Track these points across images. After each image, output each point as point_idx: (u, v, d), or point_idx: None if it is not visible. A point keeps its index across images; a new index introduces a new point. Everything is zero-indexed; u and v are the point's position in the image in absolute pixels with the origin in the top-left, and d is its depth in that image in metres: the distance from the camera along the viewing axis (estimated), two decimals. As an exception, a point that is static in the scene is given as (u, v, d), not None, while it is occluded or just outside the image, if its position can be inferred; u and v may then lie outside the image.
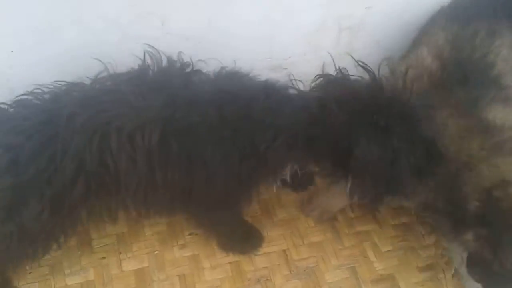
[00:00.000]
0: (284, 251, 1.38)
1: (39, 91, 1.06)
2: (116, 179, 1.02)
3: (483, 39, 1.17)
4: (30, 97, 1.06)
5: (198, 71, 1.11)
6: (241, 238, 1.37)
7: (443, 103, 1.11)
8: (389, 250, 1.40)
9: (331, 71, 1.06)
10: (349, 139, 0.96)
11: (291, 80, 1.08)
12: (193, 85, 1.08)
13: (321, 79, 1.05)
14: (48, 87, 1.07)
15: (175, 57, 1.11)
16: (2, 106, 1.04)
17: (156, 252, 1.35)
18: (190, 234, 1.40)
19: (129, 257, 1.33)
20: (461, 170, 1.05)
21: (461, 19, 1.23)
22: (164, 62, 1.11)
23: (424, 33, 1.31)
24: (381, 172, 0.97)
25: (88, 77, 1.09)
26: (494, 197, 1.01)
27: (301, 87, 1.08)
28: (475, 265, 1.17)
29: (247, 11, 1.26)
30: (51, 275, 1.28)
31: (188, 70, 1.11)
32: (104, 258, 1.33)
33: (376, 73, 1.02)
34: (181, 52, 1.11)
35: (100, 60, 1.08)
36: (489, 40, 1.17)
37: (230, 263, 1.35)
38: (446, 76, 1.15)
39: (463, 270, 1.36)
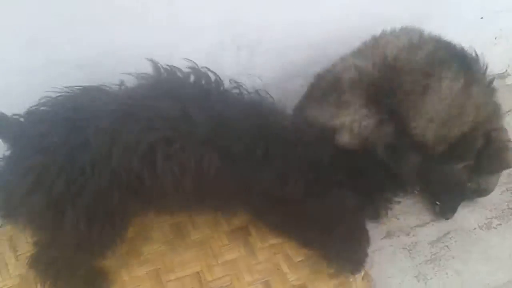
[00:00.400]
0: (197, 273, 1.37)
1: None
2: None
3: None
4: (45, 108, 1.07)
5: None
6: None
7: None
8: (301, 260, 1.43)
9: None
10: None
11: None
12: (230, 104, 1.18)
13: None
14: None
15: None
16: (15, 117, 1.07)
17: None
18: (100, 267, 1.36)
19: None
20: None
21: None
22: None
23: None
24: None
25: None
26: None
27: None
28: None
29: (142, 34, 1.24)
30: None
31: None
32: None
33: None
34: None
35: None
36: None
37: (141, 293, 1.32)
38: None
39: (372, 272, 1.43)
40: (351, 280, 1.40)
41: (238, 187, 1.19)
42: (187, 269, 1.38)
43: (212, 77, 1.20)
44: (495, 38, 1.92)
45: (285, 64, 1.54)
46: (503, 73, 2.07)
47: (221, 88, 1.20)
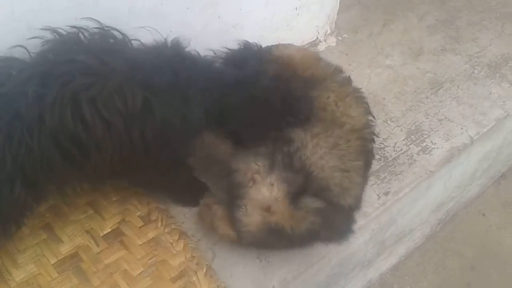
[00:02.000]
0: (25, 317, 1.26)
1: None
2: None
3: None
4: None
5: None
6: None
7: None
8: (141, 272, 1.38)
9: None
10: None
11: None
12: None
13: None
14: None
15: None
16: None
17: None
18: None
19: None
20: None
21: None
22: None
23: None
24: None
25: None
26: None
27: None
28: None
29: None
30: None
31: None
32: None
33: None
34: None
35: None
36: None
37: None
38: None
39: (215, 264, 1.42)
40: (194, 279, 1.37)
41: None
42: (13, 317, 1.26)
43: (119, 35, 1.29)
44: (296, 9, 1.99)
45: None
46: (314, 40, 2.17)
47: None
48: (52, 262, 1.37)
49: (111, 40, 1.29)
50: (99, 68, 1.15)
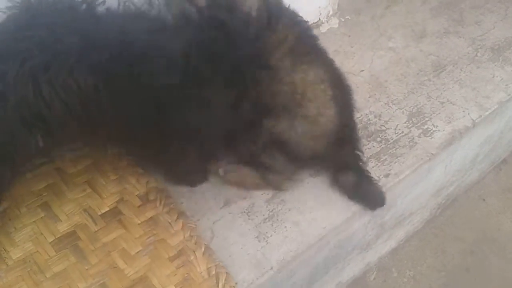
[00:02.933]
0: (23, 294, 1.26)
1: None
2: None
3: None
4: None
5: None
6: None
7: None
8: (139, 251, 1.37)
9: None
10: None
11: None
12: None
13: None
14: None
15: None
16: None
17: None
18: None
19: None
20: None
21: None
22: None
23: None
24: None
25: None
26: None
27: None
28: None
29: None
30: None
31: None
32: None
33: None
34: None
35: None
36: None
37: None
38: None
39: (214, 243, 1.42)
40: (192, 258, 1.37)
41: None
42: (10, 293, 1.26)
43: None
44: (298, -11, 1.96)
45: None
46: (316, 22, 2.14)
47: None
48: (50, 240, 1.36)
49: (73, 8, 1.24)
50: (54, 46, 1.13)
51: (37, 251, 1.34)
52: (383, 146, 1.70)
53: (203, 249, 1.39)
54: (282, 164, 1.49)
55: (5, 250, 1.34)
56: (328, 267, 1.68)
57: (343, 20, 2.21)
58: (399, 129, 1.76)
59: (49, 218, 1.40)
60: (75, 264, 1.32)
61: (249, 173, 1.54)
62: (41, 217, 1.40)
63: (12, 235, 1.37)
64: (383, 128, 1.76)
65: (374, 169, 1.62)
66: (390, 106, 1.84)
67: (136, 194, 1.49)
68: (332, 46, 2.06)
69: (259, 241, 1.45)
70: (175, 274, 1.33)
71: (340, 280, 1.88)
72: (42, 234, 1.37)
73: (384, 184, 1.59)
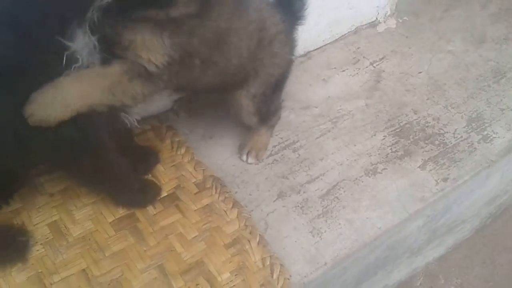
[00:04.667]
0: (83, 270, 1.29)
1: None
2: None
3: None
4: None
5: None
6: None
7: None
8: (195, 236, 1.38)
9: None
10: None
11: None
12: None
13: None
14: None
15: None
16: None
17: None
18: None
19: None
20: None
21: None
22: None
23: None
24: None
25: None
26: None
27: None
28: None
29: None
30: None
31: None
32: None
33: None
34: None
35: None
36: None
37: (21, 303, 1.22)
38: None
39: (268, 235, 1.42)
40: (247, 247, 1.37)
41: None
42: (71, 268, 1.29)
43: None
44: (359, -14, 1.96)
45: None
46: (373, 21, 2.12)
47: None
48: (109, 220, 1.39)
49: None
50: None
51: (97, 230, 1.37)
52: (441, 149, 1.67)
53: (257, 239, 1.39)
54: None
55: (65, 227, 1.37)
56: (377, 268, 1.67)
57: (400, 21, 2.18)
58: (458, 134, 1.73)
59: (109, 199, 1.43)
60: (134, 244, 1.35)
61: None
62: (102, 198, 1.43)
63: (73, 213, 1.40)
64: (442, 131, 1.73)
65: (432, 172, 1.60)
66: (448, 110, 1.81)
67: (193, 181, 1.51)
68: (389, 46, 2.04)
69: (313, 236, 1.44)
70: (230, 262, 1.34)
71: (387, 283, 1.86)
72: (102, 214, 1.41)
73: (442, 188, 1.57)
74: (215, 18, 1.19)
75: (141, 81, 1.14)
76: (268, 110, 1.56)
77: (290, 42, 1.51)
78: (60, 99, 1.06)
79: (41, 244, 1.33)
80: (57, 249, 1.32)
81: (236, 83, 1.44)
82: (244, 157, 1.59)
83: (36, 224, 1.36)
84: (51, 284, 1.26)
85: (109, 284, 1.27)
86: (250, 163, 1.59)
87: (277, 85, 1.54)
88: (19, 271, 1.27)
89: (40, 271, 1.28)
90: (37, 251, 1.32)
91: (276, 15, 1.42)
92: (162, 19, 1.09)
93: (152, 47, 1.11)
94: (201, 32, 1.18)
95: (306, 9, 1.55)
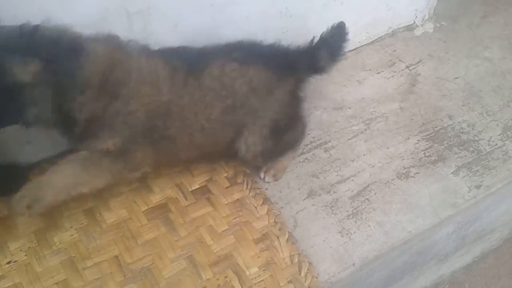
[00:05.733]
0: (116, 256, 1.32)
1: None
2: None
3: None
4: None
5: None
6: None
7: None
8: (225, 230, 1.40)
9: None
10: None
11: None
12: None
13: None
14: None
15: None
16: None
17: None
18: (8, 263, 1.27)
19: None
20: None
21: None
22: None
23: None
24: None
25: None
26: None
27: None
28: None
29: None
30: None
31: None
32: None
33: None
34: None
35: None
36: None
37: (56, 283, 1.25)
38: None
39: (296, 233, 1.43)
40: (275, 243, 1.38)
41: None
42: (104, 254, 1.32)
43: None
44: (399, -10, 1.94)
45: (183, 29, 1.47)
46: (411, 24, 2.10)
47: None
48: (143, 209, 1.42)
49: None
50: None
51: (130, 218, 1.40)
52: (475, 156, 1.65)
53: (286, 236, 1.40)
54: None
55: (100, 214, 1.40)
56: (404, 272, 1.66)
57: (438, 25, 2.15)
58: (493, 141, 1.70)
59: (143, 188, 1.46)
60: (165, 234, 1.37)
61: None
62: (136, 187, 1.46)
63: (108, 201, 1.43)
64: (476, 138, 1.71)
65: (465, 179, 1.58)
66: (484, 117, 1.78)
67: (224, 175, 1.53)
68: (426, 51, 2.02)
69: (342, 237, 1.44)
70: (259, 257, 1.36)
71: (412, 288, 1.85)
72: (135, 202, 1.43)
73: (475, 195, 1.55)
74: None
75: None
76: (276, 150, 1.53)
77: (290, 96, 1.49)
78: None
79: (75, 229, 1.36)
80: (91, 235, 1.35)
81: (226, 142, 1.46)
82: (262, 175, 1.56)
83: (72, 210, 1.39)
84: (83, 268, 1.29)
85: (140, 271, 1.29)
86: (267, 182, 1.55)
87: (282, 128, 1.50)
88: (52, 255, 1.31)
89: (73, 255, 1.31)
90: (71, 236, 1.35)
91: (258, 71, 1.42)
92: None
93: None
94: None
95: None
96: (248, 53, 1.44)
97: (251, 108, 1.42)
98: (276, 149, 1.51)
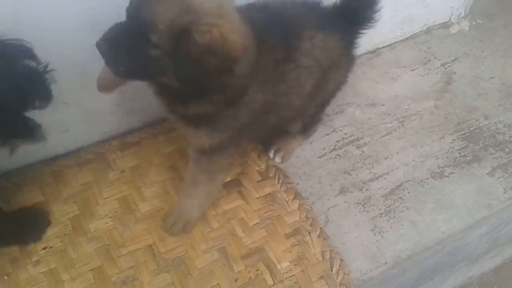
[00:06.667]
0: (150, 246, 1.33)
1: None
2: None
3: None
4: None
5: None
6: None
7: None
8: (256, 223, 1.40)
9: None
10: None
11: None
12: None
13: None
14: None
15: None
16: None
17: (5, 277, 1.23)
18: (44, 249, 1.30)
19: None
20: None
21: None
22: None
23: None
24: None
25: None
26: None
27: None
28: None
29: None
30: None
31: None
32: None
33: None
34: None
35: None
36: None
37: (91, 270, 1.27)
38: None
39: (328, 229, 1.42)
40: (307, 239, 1.38)
41: None
42: (138, 243, 1.33)
43: None
44: (438, -13, 1.91)
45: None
46: (446, 22, 2.07)
47: None
48: (176, 199, 1.43)
49: None
50: None
51: (164, 208, 1.41)
52: (511, 157, 1.62)
53: (318, 232, 1.39)
54: None
55: (134, 203, 1.41)
56: (435, 273, 1.64)
57: (474, 23, 2.11)
58: (530, 143, 1.67)
59: (176, 179, 1.47)
60: (198, 225, 1.38)
61: None
62: (169, 177, 1.47)
63: (142, 190, 1.44)
64: (513, 139, 1.68)
65: (500, 180, 1.55)
66: (520, 118, 1.75)
67: (256, 169, 1.53)
68: (461, 49, 1.98)
69: (374, 235, 1.43)
70: (290, 251, 1.35)
71: (441, 288, 1.83)
72: (169, 192, 1.44)
73: (510, 197, 1.52)
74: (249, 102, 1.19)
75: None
76: (311, 124, 1.57)
77: (349, 61, 1.46)
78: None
79: (110, 217, 1.38)
80: (125, 223, 1.37)
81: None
82: (271, 154, 1.56)
83: (106, 198, 1.41)
84: (118, 256, 1.30)
85: (173, 261, 1.30)
86: (276, 161, 1.55)
87: (325, 104, 1.54)
88: (88, 242, 1.33)
89: (108, 243, 1.33)
90: (106, 223, 1.36)
91: (332, 39, 1.32)
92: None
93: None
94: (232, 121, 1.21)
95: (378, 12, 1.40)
96: (320, 17, 1.32)
97: (327, 80, 1.37)
98: (311, 124, 1.55)
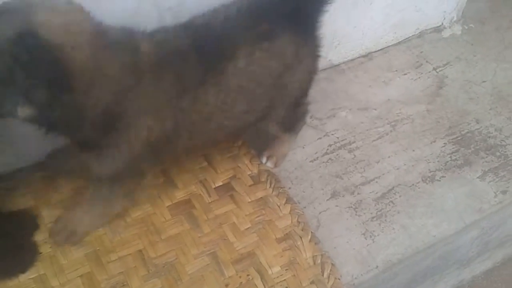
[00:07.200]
0: (140, 251, 1.32)
1: None
2: None
3: None
4: None
5: None
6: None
7: None
8: (248, 228, 1.40)
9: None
10: None
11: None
12: None
13: None
14: None
15: None
16: None
17: (-7, 284, 1.22)
18: (33, 254, 1.29)
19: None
20: None
21: None
22: None
23: None
24: None
25: None
26: None
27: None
28: None
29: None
30: None
31: None
32: None
33: None
34: None
35: None
36: None
37: (80, 276, 1.26)
38: None
39: (319, 233, 1.42)
40: (298, 243, 1.38)
41: None
42: (128, 248, 1.32)
43: None
44: (428, -9, 1.92)
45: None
46: (438, 26, 2.07)
47: None
48: (167, 204, 1.42)
49: None
50: None
51: (155, 212, 1.40)
52: (502, 161, 1.63)
53: (309, 237, 1.39)
54: None
55: (125, 208, 1.40)
56: (426, 277, 1.64)
57: (466, 27, 2.12)
58: (521, 147, 1.68)
59: (168, 184, 1.46)
60: (189, 230, 1.37)
61: None
62: (161, 182, 1.46)
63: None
64: (503, 143, 1.69)
65: (491, 184, 1.56)
66: (511, 122, 1.76)
67: (248, 173, 1.52)
68: (453, 53, 1.99)
69: (366, 239, 1.43)
70: (281, 256, 1.35)
71: (432, 292, 1.83)
72: (160, 197, 1.43)
73: (501, 201, 1.53)
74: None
75: None
76: (292, 120, 1.50)
77: (311, 49, 1.34)
78: None
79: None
80: (115, 228, 1.36)
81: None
82: (264, 160, 1.55)
83: (97, 202, 1.40)
84: (108, 262, 1.29)
85: (163, 266, 1.30)
86: (269, 167, 1.54)
87: (301, 97, 1.44)
88: (77, 247, 1.31)
89: (98, 248, 1.32)
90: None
91: (280, 43, 1.23)
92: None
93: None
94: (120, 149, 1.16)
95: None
96: (274, 17, 1.21)
97: (282, 85, 1.30)
98: (292, 120, 1.49)
